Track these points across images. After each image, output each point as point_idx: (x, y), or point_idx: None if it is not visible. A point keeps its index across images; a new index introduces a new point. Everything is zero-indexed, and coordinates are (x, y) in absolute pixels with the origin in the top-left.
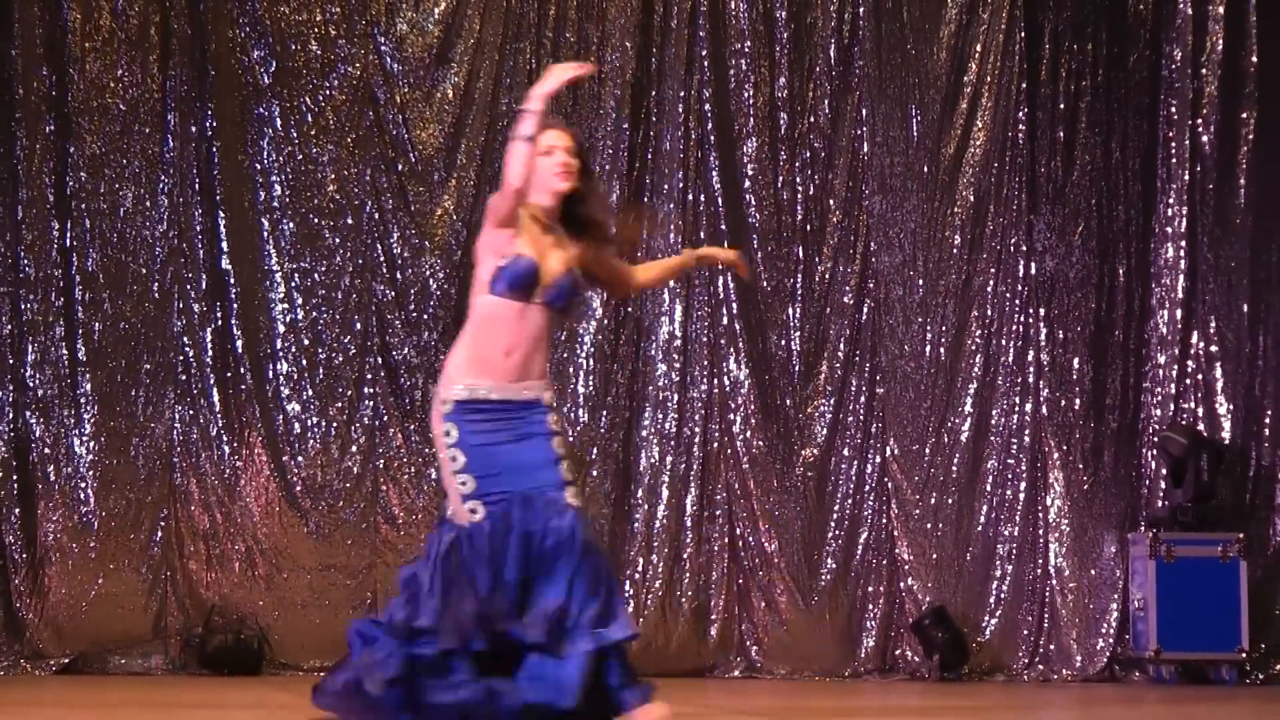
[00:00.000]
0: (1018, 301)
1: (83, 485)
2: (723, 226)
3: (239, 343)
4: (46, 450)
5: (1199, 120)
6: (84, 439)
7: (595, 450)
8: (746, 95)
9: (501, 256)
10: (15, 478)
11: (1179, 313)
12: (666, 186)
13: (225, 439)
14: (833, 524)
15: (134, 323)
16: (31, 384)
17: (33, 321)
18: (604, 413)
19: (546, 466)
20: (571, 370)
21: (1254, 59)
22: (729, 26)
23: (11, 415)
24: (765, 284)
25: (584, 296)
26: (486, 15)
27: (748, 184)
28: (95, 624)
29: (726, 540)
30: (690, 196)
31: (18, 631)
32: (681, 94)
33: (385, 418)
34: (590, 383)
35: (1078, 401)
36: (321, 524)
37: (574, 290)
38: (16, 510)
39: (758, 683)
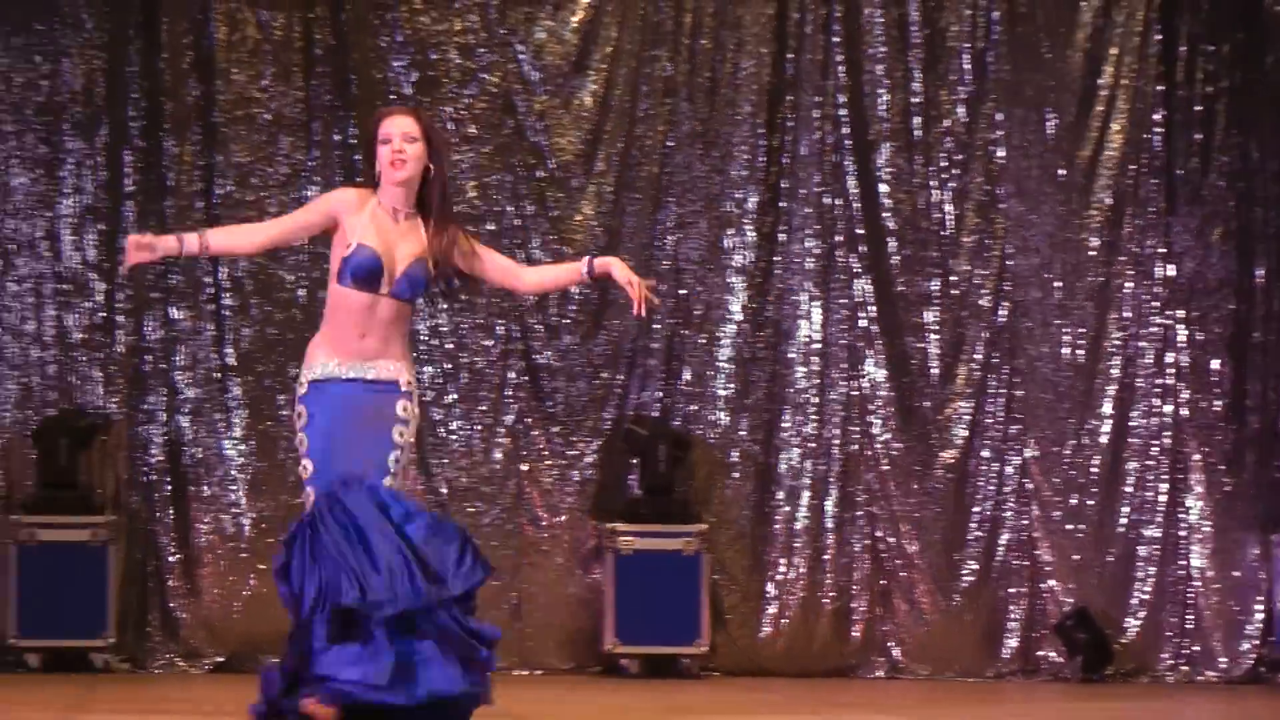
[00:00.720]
0: (1156, 303)
1: (233, 488)
2: (859, 231)
3: None
4: (198, 453)
5: None
6: (234, 442)
7: (735, 452)
8: (881, 100)
9: (345, 247)
10: (169, 480)
11: None
12: (803, 191)
13: None
14: (973, 525)
15: (281, 328)
16: (183, 389)
17: (183, 328)
18: (744, 415)
19: (377, 450)
20: (710, 373)
21: None
22: (863, 31)
23: (164, 419)
24: (902, 287)
25: (454, 285)
26: (624, 23)
27: (884, 188)
28: (247, 624)
29: (867, 542)
30: (827, 201)
31: (173, 631)
32: (817, 99)
33: (528, 421)
34: (730, 385)
35: (1218, 404)
36: (466, 524)
37: (423, 282)
38: (170, 512)
39: (900, 683)
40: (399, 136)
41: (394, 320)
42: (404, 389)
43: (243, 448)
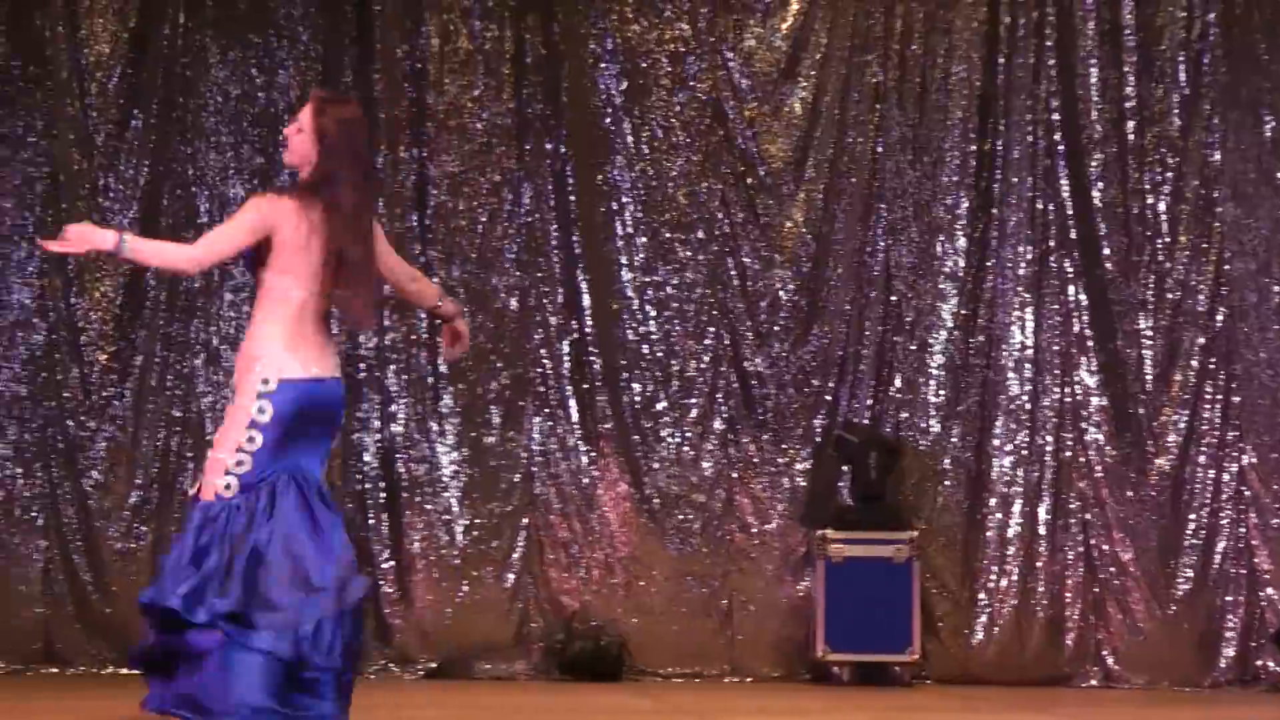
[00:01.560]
0: None
1: (446, 495)
2: (1072, 235)
3: (594, 355)
4: (411, 461)
5: None
6: (446, 450)
7: (947, 460)
8: (1094, 103)
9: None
10: (382, 487)
11: None
12: (1014, 197)
13: (583, 449)
14: (1189, 533)
15: (493, 337)
16: (397, 396)
17: (396, 337)
18: (955, 422)
19: (310, 455)
20: (922, 379)
21: None
22: (1076, 35)
23: (378, 427)
24: (1116, 293)
25: None
26: (834, 29)
27: (1097, 193)
28: (459, 630)
29: (1081, 549)
30: (1039, 205)
31: (386, 637)
32: (1029, 103)
33: (738, 427)
34: (941, 392)
35: None
36: (677, 533)
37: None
38: (385, 519)
39: (1114, 692)
40: (295, 122)
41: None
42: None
43: (455, 456)
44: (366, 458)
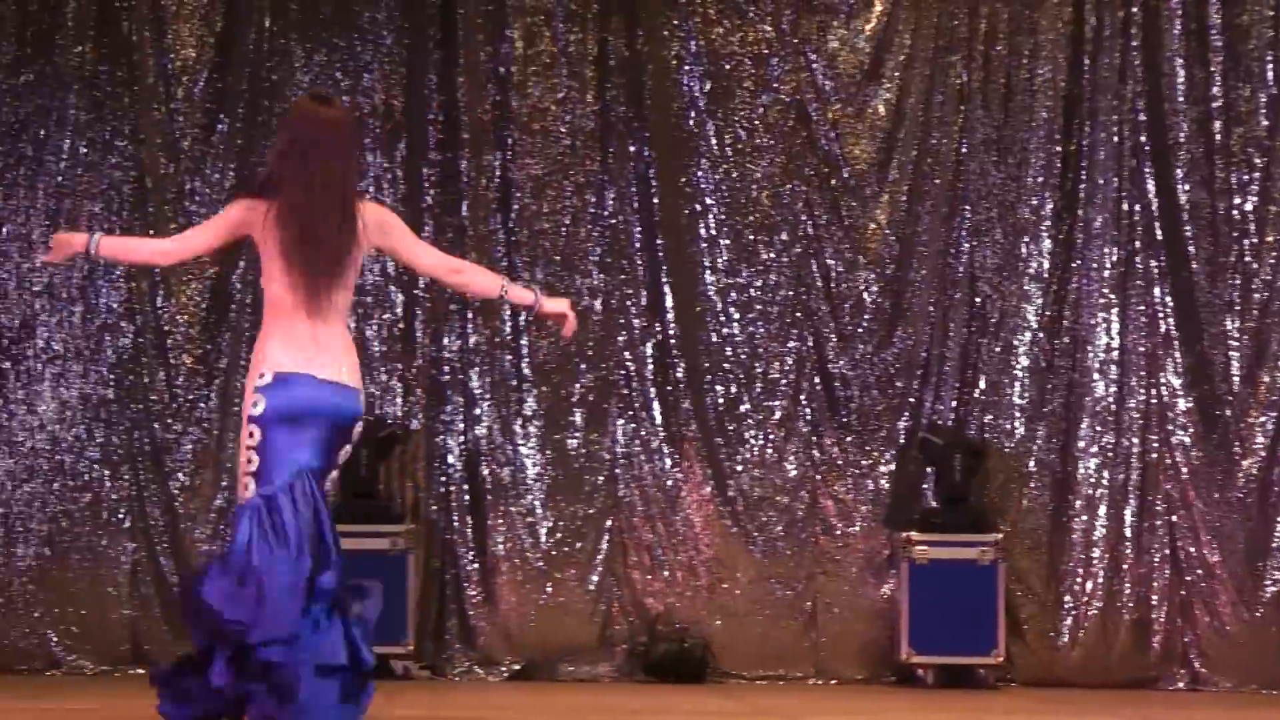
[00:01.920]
0: None
1: (530, 497)
2: (1158, 236)
3: (678, 358)
4: (495, 464)
5: None
6: (531, 452)
7: (1032, 462)
8: (1180, 104)
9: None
10: (466, 489)
11: None
12: (1100, 198)
13: (666, 451)
14: (1277, 535)
15: (577, 339)
16: (480, 399)
17: (480, 339)
18: (1040, 424)
19: (311, 448)
20: (1007, 381)
21: None
22: (1162, 35)
23: (462, 429)
24: (1203, 294)
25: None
26: (917, 30)
27: (1183, 193)
28: (543, 632)
29: (1167, 551)
30: (1125, 206)
31: (470, 639)
32: (1114, 103)
33: (822, 429)
34: (1026, 394)
35: None
36: (760, 535)
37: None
38: (468, 521)
39: (1201, 695)
40: None
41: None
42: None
43: (539, 458)
44: (451, 460)
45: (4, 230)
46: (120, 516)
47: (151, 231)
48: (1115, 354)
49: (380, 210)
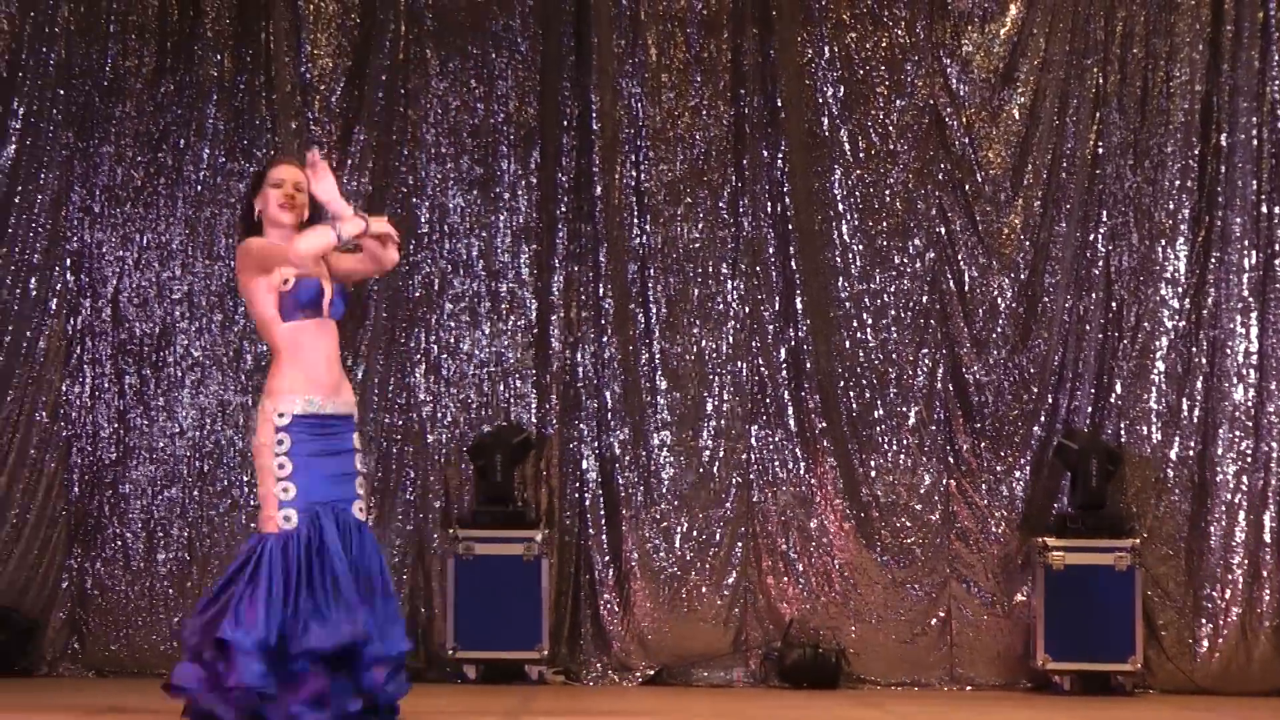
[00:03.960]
0: None
1: (664, 504)
2: None
3: (811, 364)
4: (630, 471)
5: None
6: (665, 458)
7: (1169, 467)
8: None
9: (272, 289)
10: (601, 495)
11: None
12: (1239, 200)
13: (800, 457)
14: None
15: (709, 346)
16: (615, 406)
17: (614, 346)
18: (1177, 429)
19: (348, 481)
20: (1144, 386)
21: None
22: None
23: (596, 436)
24: None
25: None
26: (1053, 34)
27: None
28: (678, 637)
29: None
30: (1264, 209)
31: (605, 644)
32: (1253, 105)
33: (956, 436)
34: (1163, 399)
35: None
36: (894, 541)
37: (345, 299)
38: (602, 527)
39: None
40: (290, 184)
41: (336, 346)
42: (355, 421)
43: (673, 464)
44: (585, 466)
45: (144, 239)
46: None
47: None
48: (1254, 358)
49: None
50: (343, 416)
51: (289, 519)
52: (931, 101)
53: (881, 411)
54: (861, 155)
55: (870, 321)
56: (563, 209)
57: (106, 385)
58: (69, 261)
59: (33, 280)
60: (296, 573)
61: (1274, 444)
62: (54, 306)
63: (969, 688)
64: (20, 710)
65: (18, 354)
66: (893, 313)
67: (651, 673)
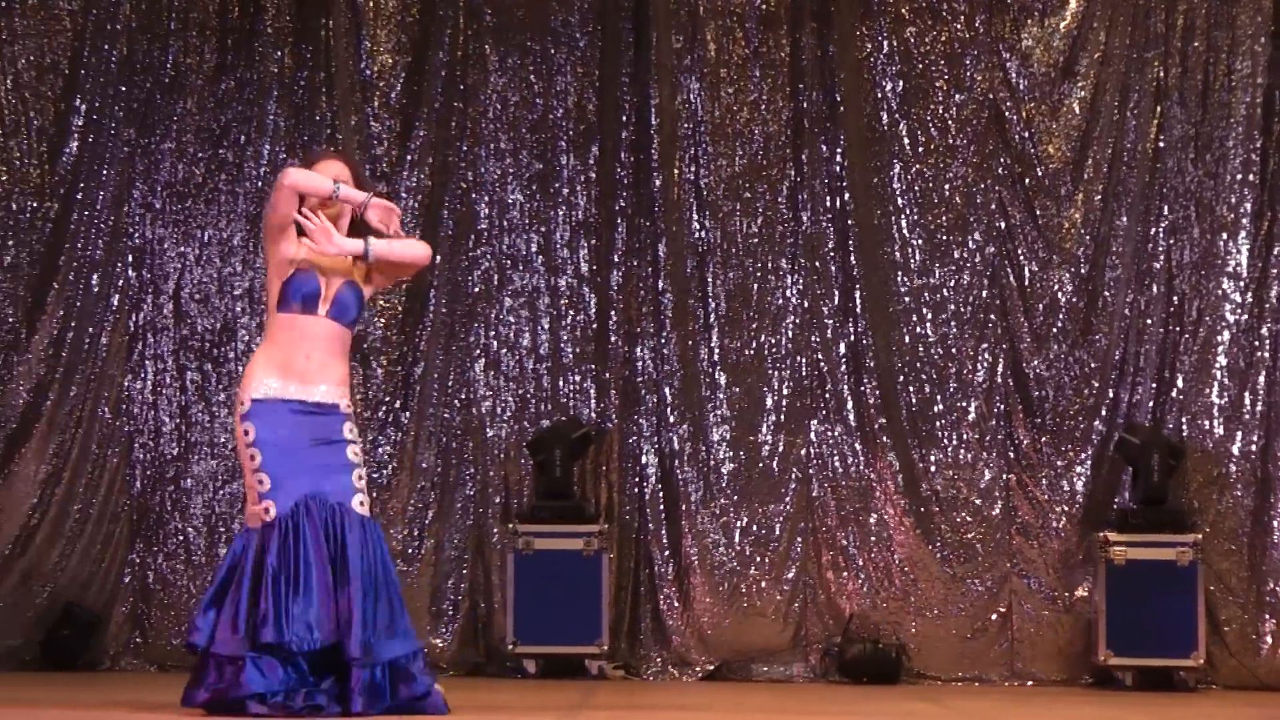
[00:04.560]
0: None
1: (723, 499)
2: None
3: (871, 358)
4: (689, 466)
5: None
6: (724, 453)
7: (1231, 462)
8: None
9: (280, 277)
10: (660, 490)
11: None
12: None
13: (860, 452)
14: None
15: (768, 341)
16: (674, 402)
17: (672, 341)
18: (1239, 424)
19: (340, 472)
20: (1205, 380)
21: None
22: None
23: (655, 430)
24: None
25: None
26: (1113, 27)
27: None
28: (737, 632)
29: None
30: None
31: (665, 639)
32: None
33: (1016, 431)
34: (1225, 394)
35: None
36: (954, 536)
37: (356, 302)
38: (662, 522)
39: None
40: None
41: (334, 342)
42: (344, 411)
43: (732, 460)
44: (645, 461)
45: (205, 235)
46: None
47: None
48: None
49: None
50: (324, 405)
51: (269, 510)
52: (991, 96)
53: (941, 406)
54: (921, 150)
55: (930, 316)
56: (621, 204)
57: (168, 381)
58: (131, 258)
59: (95, 276)
60: (273, 565)
61: None
62: (116, 302)
63: (1029, 683)
64: (84, 705)
65: (80, 350)
66: (952, 307)
67: (711, 668)
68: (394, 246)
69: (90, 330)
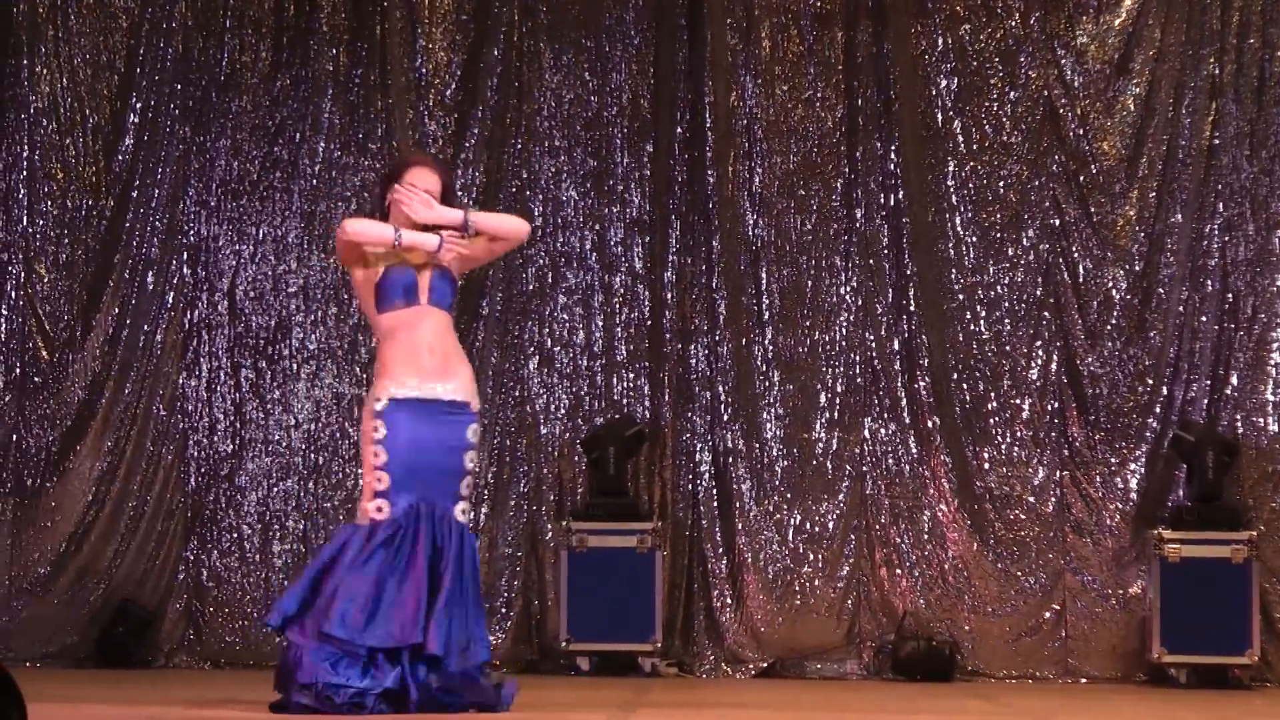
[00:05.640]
0: None
1: (775, 496)
2: None
3: (925, 356)
4: (743, 463)
5: None
6: (778, 451)
7: None
8: None
9: (370, 281)
10: (714, 488)
11: None
12: None
13: (913, 449)
14: None
15: (821, 338)
16: (728, 400)
17: (727, 340)
18: None
19: (453, 478)
20: (1260, 377)
21: None
22: None
23: (709, 429)
24: None
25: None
26: (1168, 24)
27: None
28: (791, 630)
29: None
30: None
31: (718, 637)
32: None
33: (1070, 429)
34: (1276, 392)
35: None
36: (1008, 534)
37: (451, 287)
38: (716, 520)
39: None
40: (422, 190)
41: (448, 334)
42: (474, 411)
43: (786, 457)
44: (698, 458)
45: (260, 233)
46: None
47: None
48: None
49: None
50: (455, 404)
51: (381, 509)
52: (1046, 93)
53: (995, 404)
54: (975, 147)
55: (984, 314)
56: (675, 202)
57: (223, 378)
58: (186, 255)
59: (150, 274)
60: (378, 564)
61: None
62: (171, 300)
63: (1083, 680)
64: (137, 702)
65: (135, 347)
66: (1006, 305)
67: (764, 665)
68: (492, 219)
69: (145, 328)
